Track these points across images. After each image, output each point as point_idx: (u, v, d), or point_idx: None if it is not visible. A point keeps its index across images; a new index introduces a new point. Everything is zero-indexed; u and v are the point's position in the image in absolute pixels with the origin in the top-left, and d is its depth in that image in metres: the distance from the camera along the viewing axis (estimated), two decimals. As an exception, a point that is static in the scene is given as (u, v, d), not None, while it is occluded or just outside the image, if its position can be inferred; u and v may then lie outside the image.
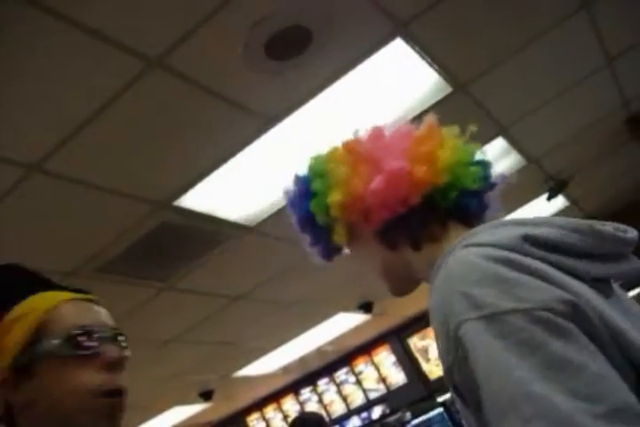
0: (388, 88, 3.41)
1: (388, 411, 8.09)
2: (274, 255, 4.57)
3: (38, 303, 1.13)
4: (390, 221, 1.20)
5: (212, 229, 3.93)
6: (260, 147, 3.36)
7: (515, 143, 4.65)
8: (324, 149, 1.33)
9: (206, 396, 7.20)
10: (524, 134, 4.57)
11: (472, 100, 3.86)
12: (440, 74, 3.46)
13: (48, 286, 1.19)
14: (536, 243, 1.00)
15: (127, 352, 1.13)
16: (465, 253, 1.01)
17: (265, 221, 4.07)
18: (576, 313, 0.89)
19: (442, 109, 3.73)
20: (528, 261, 0.95)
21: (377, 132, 1.29)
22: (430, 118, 1.29)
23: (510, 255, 0.96)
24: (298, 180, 1.31)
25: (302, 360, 7.67)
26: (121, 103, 2.68)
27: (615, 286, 1.08)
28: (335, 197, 1.22)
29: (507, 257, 0.96)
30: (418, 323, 7.93)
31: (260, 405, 8.96)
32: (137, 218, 3.55)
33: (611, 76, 4.31)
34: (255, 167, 3.53)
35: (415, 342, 8.04)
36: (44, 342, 1.07)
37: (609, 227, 1.07)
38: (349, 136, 1.33)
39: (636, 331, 0.94)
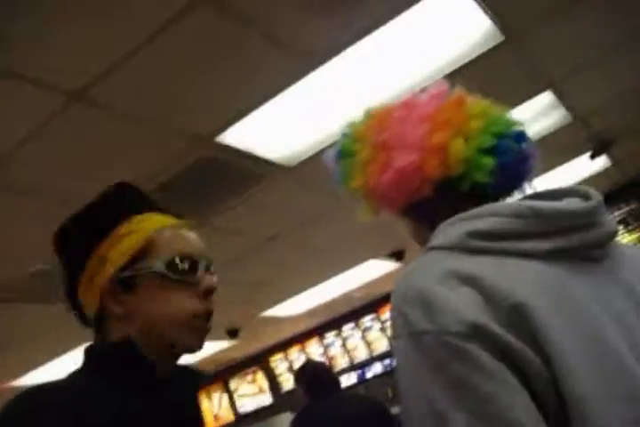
0: (438, 34, 3.33)
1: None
2: (311, 197, 4.57)
3: (146, 223, 1.22)
4: (407, 205, 1.23)
5: (250, 168, 3.93)
6: (304, 86, 3.32)
7: (563, 98, 4.54)
8: (359, 116, 1.33)
9: (232, 334, 7.32)
10: (573, 90, 4.46)
11: (523, 51, 3.75)
12: (493, 21, 3.36)
13: (152, 207, 1.29)
14: (481, 236, 1.05)
15: (217, 281, 1.24)
16: (414, 267, 1.07)
17: (304, 162, 4.05)
18: (477, 333, 0.93)
19: (491, 59, 3.65)
20: (465, 270, 0.99)
21: (401, 110, 1.26)
22: (457, 92, 1.26)
23: (450, 268, 1.00)
24: (333, 152, 1.32)
25: (329, 305, 7.75)
26: (167, 36, 2.65)
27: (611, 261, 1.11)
28: (355, 182, 1.25)
29: (444, 273, 1.00)
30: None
31: (284, 346, 9.11)
32: (176, 153, 3.56)
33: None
34: (298, 107, 3.50)
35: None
36: (149, 260, 1.17)
37: (559, 203, 1.09)
38: (380, 104, 1.31)
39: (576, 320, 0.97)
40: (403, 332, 0.99)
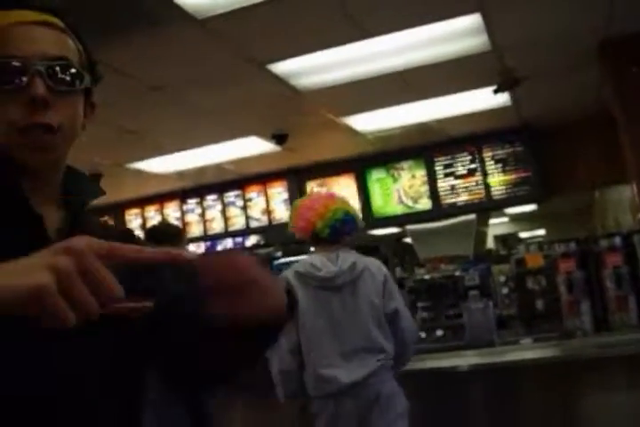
0: None
1: (262, 243, 8.29)
2: (210, 55, 4.39)
3: None
4: (306, 240, 3.40)
5: (157, 8, 3.68)
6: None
7: (489, 25, 4.49)
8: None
9: (95, 178, 7.15)
10: (502, 19, 4.41)
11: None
12: None
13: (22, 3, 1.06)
14: (299, 273, 3.25)
15: (62, 87, 1.03)
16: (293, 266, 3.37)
17: (216, 17, 3.84)
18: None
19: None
20: (290, 278, 3.22)
21: (309, 201, 3.37)
22: (329, 195, 3.48)
23: (290, 274, 3.27)
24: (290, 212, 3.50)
25: (199, 171, 7.65)
26: None
27: (353, 289, 3.24)
28: (290, 228, 3.38)
29: (287, 276, 3.26)
30: (323, 170, 8.02)
31: (143, 202, 8.99)
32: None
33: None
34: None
35: (312, 187, 8.15)
36: None
37: (316, 271, 3.22)
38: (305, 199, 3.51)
39: (321, 310, 3.23)
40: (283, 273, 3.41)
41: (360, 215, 7.69)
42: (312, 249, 3.43)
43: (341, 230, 3.26)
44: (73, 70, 1.05)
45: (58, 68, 1.03)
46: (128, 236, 1.25)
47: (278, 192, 8.22)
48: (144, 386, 1.15)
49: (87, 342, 0.95)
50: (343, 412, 3.13)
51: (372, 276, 3.26)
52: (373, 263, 3.34)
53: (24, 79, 0.99)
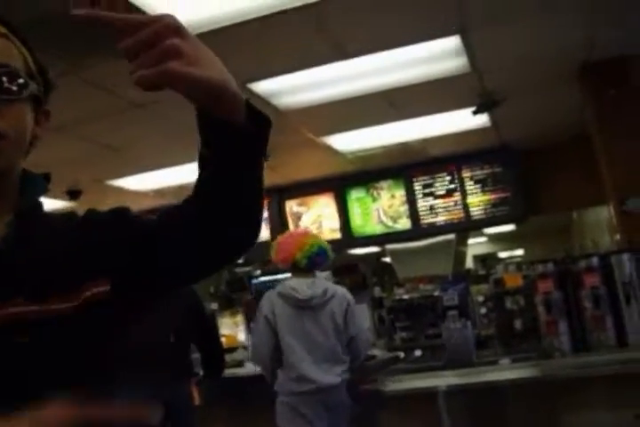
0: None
1: (242, 261, 8.25)
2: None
3: None
4: (288, 269, 4.14)
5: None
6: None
7: (469, 47, 4.54)
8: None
9: (73, 195, 7.10)
10: (482, 41, 4.47)
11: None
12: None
13: None
14: (280, 293, 3.96)
15: (3, 95, 1.00)
16: (275, 288, 4.08)
17: (197, 36, 3.84)
18: (265, 318, 3.95)
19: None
20: (273, 297, 3.98)
21: (286, 237, 4.15)
22: (305, 232, 4.56)
23: (273, 294, 4.00)
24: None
25: (180, 189, 7.62)
26: None
27: (322, 310, 3.95)
28: (273, 260, 4.12)
29: (271, 295, 4.01)
30: (303, 189, 8.03)
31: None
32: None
33: (585, 21, 4.33)
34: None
35: (292, 206, 8.15)
36: None
37: (295, 293, 3.90)
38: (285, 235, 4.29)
39: (298, 327, 3.93)
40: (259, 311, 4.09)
41: (339, 235, 8.06)
42: (289, 274, 4.16)
43: (315, 261, 3.99)
44: (16, 78, 1.02)
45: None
46: (118, 217, 1.19)
47: (258, 211, 8.18)
48: (113, 380, 1.10)
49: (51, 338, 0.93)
50: (312, 410, 3.81)
51: (339, 301, 3.99)
52: (341, 291, 4.09)
53: None
